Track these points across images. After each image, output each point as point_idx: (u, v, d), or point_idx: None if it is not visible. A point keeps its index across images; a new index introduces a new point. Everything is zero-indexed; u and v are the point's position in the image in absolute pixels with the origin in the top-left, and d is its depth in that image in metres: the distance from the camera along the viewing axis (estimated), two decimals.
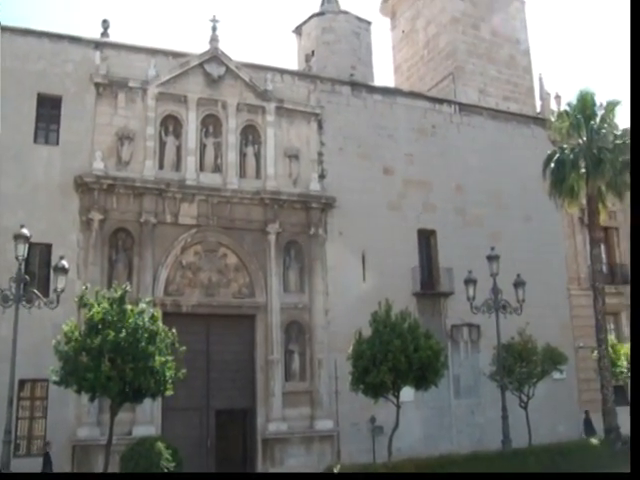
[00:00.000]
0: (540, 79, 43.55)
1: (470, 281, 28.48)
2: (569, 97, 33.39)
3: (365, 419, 30.56)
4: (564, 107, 34.20)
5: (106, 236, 28.96)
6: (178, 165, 31.03)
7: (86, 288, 22.53)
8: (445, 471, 23.84)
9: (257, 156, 32.51)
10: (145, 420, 27.32)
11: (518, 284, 29.31)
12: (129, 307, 21.37)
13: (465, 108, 38.51)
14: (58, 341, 20.93)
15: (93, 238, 28.49)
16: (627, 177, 31.43)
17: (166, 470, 21.31)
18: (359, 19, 41.06)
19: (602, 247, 37.06)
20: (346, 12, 41.02)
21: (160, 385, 21.46)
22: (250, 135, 32.60)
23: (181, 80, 31.72)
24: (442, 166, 36.24)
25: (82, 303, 21.48)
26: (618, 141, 32.18)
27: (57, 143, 29.51)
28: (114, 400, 21.17)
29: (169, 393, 22.14)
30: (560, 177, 32.02)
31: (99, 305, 21.04)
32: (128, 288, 22.35)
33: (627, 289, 41.25)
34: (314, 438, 30.39)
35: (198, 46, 32.62)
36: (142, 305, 22.06)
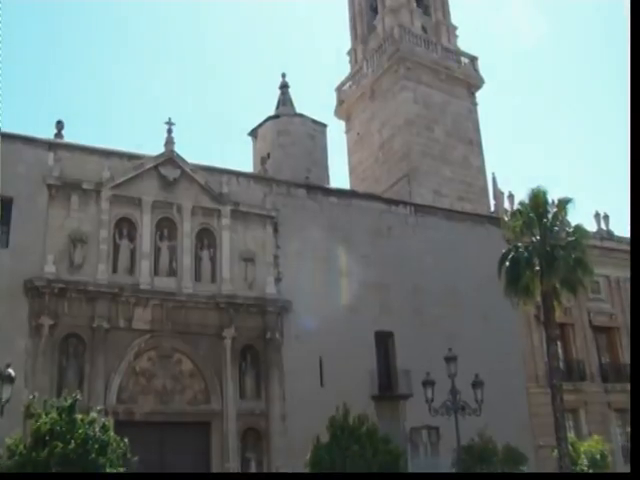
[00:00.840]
0: (493, 178, 44.36)
1: (428, 383, 28.23)
2: (522, 195, 33.90)
3: None
4: (517, 206, 34.68)
5: (56, 342, 28.30)
6: (132, 269, 30.73)
7: (33, 397, 21.89)
8: None
9: (212, 260, 32.38)
10: None
11: (476, 384, 29.06)
12: (79, 417, 20.87)
13: (420, 209, 38.99)
14: (0, 455, 20.16)
15: (43, 344, 27.79)
16: (580, 274, 31.87)
17: None
18: (314, 122, 41.68)
19: (559, 344, 37.14)
20: (301, 115, 41.65)
21: None
22: (205, 238, 32.53)
23: (136, 182, 31.67)
24: (398, 267, 36.37)
25: (29, 413, 20.87)
26: (570, 238, 32.66)
27: (6, 246, 28.97)
28: None
29: None
30: (515, 276, 32.17)
31: (47, 415, 20.47)
32: (78, 397, 21.85)
33: (584, 385, 41.49)
34: None
35: (153, 148, 32.75)
36: (93, 414, 21.56)
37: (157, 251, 31.44)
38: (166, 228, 31.89)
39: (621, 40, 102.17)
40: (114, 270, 30.32)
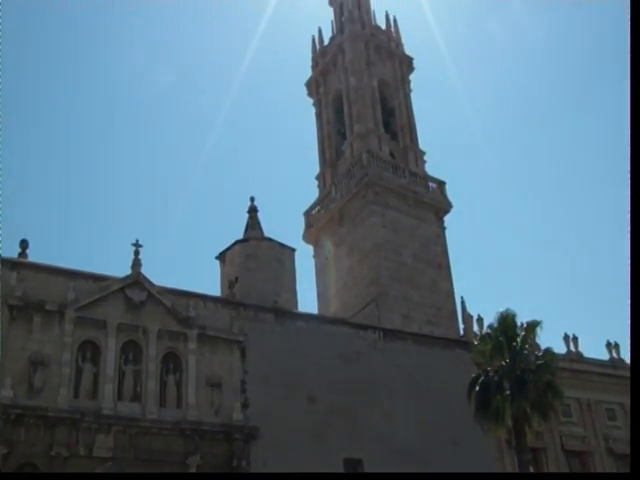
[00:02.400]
0: (462, 302, 44.45)
1: None
2: (491, 319, 34.13)
3: None
4: (486, 329, 34.82)
5: (9, 473, 26.95)
6: (94, 393, 29.87)
7: None
8: None
9: (178, 384, 31.68)
10: None
11: None
12: None
13: (389, 334, 38.79)
14: None
15: None
16: (551, 397, 31.73)
17: None
18: (283, 246, 41.70)
19: (531, 469, 36.54)
20: (270, 239, 41.71)
21: None
22: (171, 363, 31.93)
23: (101, 304, 31.20)
24: (367, 392, 35.83)
25: None
26: (540, 361, 32.70)
27: None
28: None
29: None
30: (485, 400, 32.05)
31: None
32: None
33: None
34: None
35: (120, 269, 32.61)
36: None
37: (121, 375, 30.70)
38: (131, 351, 31.27)
39: (588, 158, 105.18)
40: (76, 395, 29.47)
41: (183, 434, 30.49)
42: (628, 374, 44.57)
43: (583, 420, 45.48)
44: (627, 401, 45.57)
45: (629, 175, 13.42)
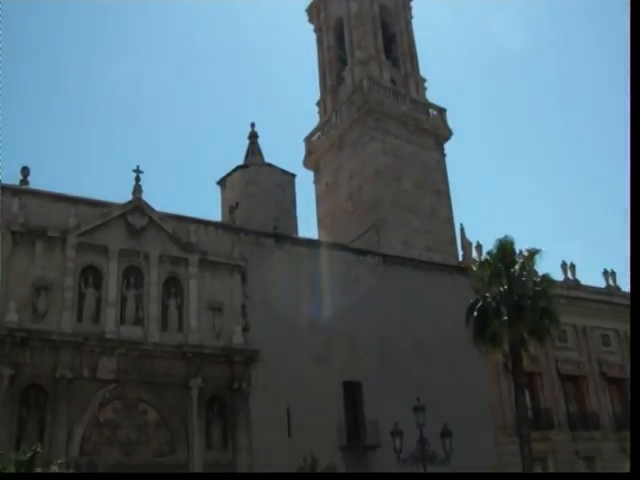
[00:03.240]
0: (461, 229, 44.61)
1: (396, 433, 28.11)
2: (489, 246, 34.21)
3: None
4: (485, 256, 34.91)
5: (17, 393, 27.65)
6: (97, 317, 30.28)
7: None
8: None
9: (179, 309, 32.07)
10: None
11: (445, 434, 28.97)
12: (39, 470, 20.21)
13: (389, 259, 39.08)
14: None
15: (2, 395, 27.12)
16: (547, 323, 32.05)
17: None
18: (283, 172, 41.76)
19: (527, 392, 37.19)
20: (270, 165, 41.73)
21: None
22: (172, 287, 32.26)
23: (102, 230, 31.38)
24: (366, 317, 36.31)
25: None
26: (538, 288, 32.90)
27: None
28: None
29: None
30: (483, 325, 32.28)
31: (5, 470, 19.81)
32: (39, 449, 21.08)
33: (552, 434, 41.47)
34: None
35: (121, 196, 32.58)
36: (54, 467, 20.97)
37: (123, 300, 31.05)
38: (133, 276, 31.57)
39: (588, 89, 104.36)
40: (79, 319, 29.86)
41: (185, 357, 30.96)
42: (624, 302, 45.49)
43: (578, 345, 46.18)
44: (622, 327, 46.55)
45: (629, 175, 13.33)
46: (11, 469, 19.72)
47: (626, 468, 33.42)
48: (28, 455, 20.26)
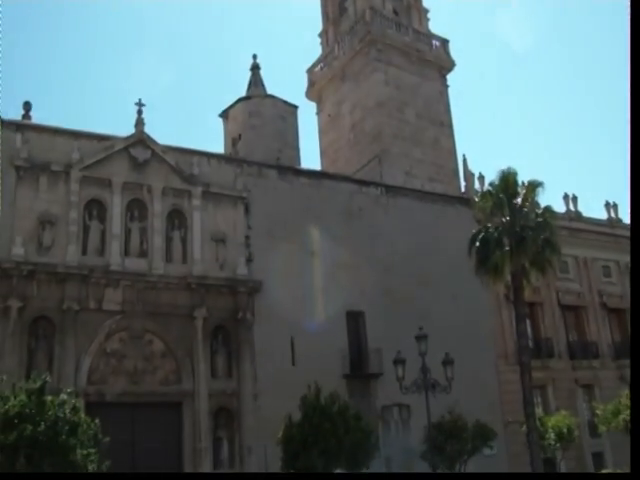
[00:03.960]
0: (464, 160, 44.65)
1: (399, 361, 28.51)
2: (492, 177, 34.20)
3: None
4: (487, 187, 34.93)
5: (25, 324, 28.14)
6: (102, 250, 30.59)
7: (1, 380, 21.62)
8: None
9: (183, 240, 32.34)
10: None
11: (447, 362, 29.43)
12: (49, 399, 20.53)
13: (391, 190, 39.18)
14: None
15: (11, 327, 27.60)
16: (549, 253, 32.26)
17: None
18: (286, 103, 41.52)
19: (528, 322, 37.55)
20: (273, 96, 41.46)
21: None
22: (176, 219, 32.49)
23: (105, 164, 31.44)
24: (369, 247, 36.62)
25: None
26: (539, 219, 33.01)
27: None
28: None
29: None
30: (485, 255, 32.48)
31: (16, 398, 20.20)
32: (48, 378, 21.35)
33: (552, 362, 42.09)
34: None
35: (123, 129, 32.49)
36: (63, 396, 21.21)
37: (127, 232, 31.32)
38: (136, 209, 31.78)
39: (598, 20, 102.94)
40: (84, 252, 30.17)
41: (189, 288, 31.35)
42: (625, 233, 45.63)
43: (579, 276, 46.54)
44: (622, 259, 46.89)
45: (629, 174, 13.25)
46: (22, 397, 20.12)
47: (623, 395, 34.31)
48: (38, 384, 20.64)
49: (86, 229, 30.61)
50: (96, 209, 31.01)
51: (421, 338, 28.95)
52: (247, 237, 33.77)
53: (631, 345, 8.65)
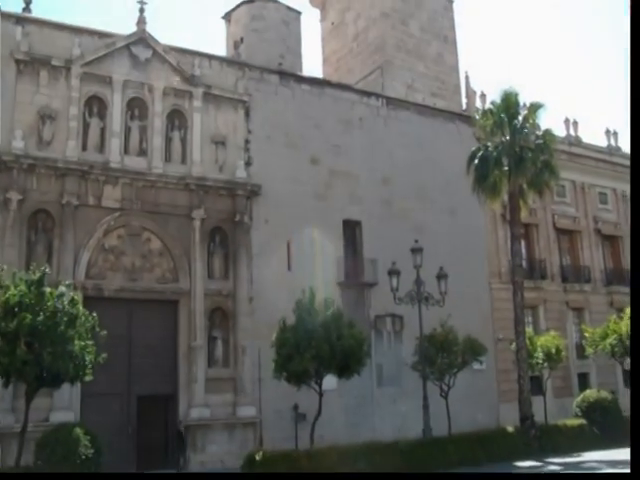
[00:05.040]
0: (466, 77, 44.24)
1: (394, 272, 28.74)
2: (494, 96, 33.95)
3: (288, 406, 30.53)
4: (489, 105, 34.72)
5: (25, 217, 28.14)
6: (102, 147, 30.38)
7: (2, 270, 21.71)
8: (366, 458, 23.94)
9: (183, 141, 32.11)
10: (63, 406, 26.62)
11: (441, 276, 29.72)
12: (48, 290, 20.68)
13: (392, 102, 38.83)
14: None
15: (11, 219, 27.59)
16: (547, 176, 32.29)
17: (83, 457, 20.55)
18: (289, 8, 40.87)
19: (522, 243, 37.83)
20: (276, 1, 40.75)
21: (79, 370, 20.83)
22: (176, 120, 32.16)
23: (107, 61, 30.98)
24: (368, 158, 36.49)
25: None
26: (539, 141, 33.00)
27: None
28: (30, 385, 20.48)
29: (88, 378, 21.51)
30: (483, 174, 32.55)
31: (16, 288, 20.31)
32: (47, 270, 21.53)
33: (545, 284, 42.50)
34: (237, 425, 30.27)
35: (125, 28, 31.89)
36: (62, 288, 21.37)
37: (127, 130, 31.03)
38: (137, 108, 31.42)
39: None
40: (84, 148, 29.96)
41: (188, 188, 31.30)
42: (623, 162, 45.61)
43: (576, 201, 46.64)
44: (619, 187, 47.05)
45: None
46: (21, 287, 20.23)
47: (612, 320, 34.77)
48: (37, 275, 20.74)
49: (86, 125, 30.31)
50: (96, 106, 30.64)
51: (416, 251, 29.15)
52: (247, 141, 33.53)
53: (631, 342, 8.57)
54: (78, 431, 21.10)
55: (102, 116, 30.64)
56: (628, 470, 21.51)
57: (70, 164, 29.05)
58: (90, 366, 21.16)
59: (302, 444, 27.31)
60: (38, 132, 29.15)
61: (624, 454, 25.64)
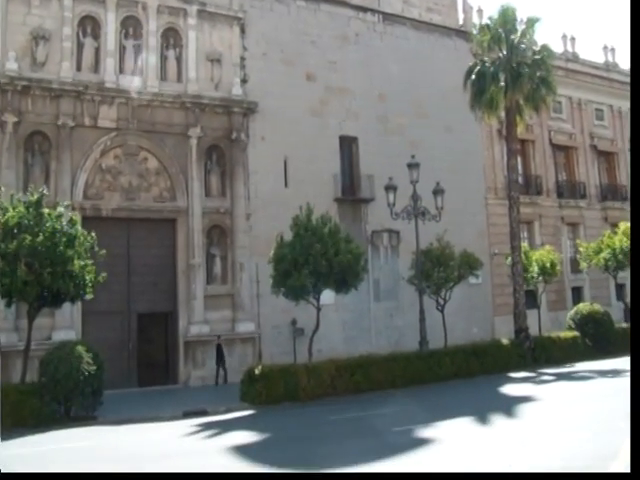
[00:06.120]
0: None
1: (390, 188, 28.79)
2: (491, 11, 33.60)
3: (286, 321, 31.14)
4: (486, 21, 34.37)
5: (21, 139, 28.18)
6: (97, 67, 30.24)
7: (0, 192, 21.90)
8: (364, 370, 24.46)
9: (178, 60, 31.94)
10: (65, 325, 27.14)
11: (437, 192, 29.79)
12: (46, 211, 20.92)
13: (389, 17, 38.37)
14: None
15: (7, 141, 27.65)
16: (543, 92, 32.19)
17: (87, 373, 20.95)
18: None
19: (518, 159, 37.91)
20: None
21: (79, 289, 21.32)
22: (171, 38, 31.93)
23: None
24: (365, 74, 36.26)
25: None
26: (536, 57, 32.76)
27: None
28: (32, 305, 20.97)
29: (89, 297, 22.07)
30: (480, 89, 32.40)
31: (14, 209, 20.50)
32: (45, 192, 21.79)
33: (540, 200, 42.82)
34: (236, 340, 30.82)
35: None
36: (60, 209, 21.63)
37: (122, 50, 30.83)
38: (131, 27, 31.13)
39: None
40: (78, 68, 29.82)
41: (184, 107, 31.23)
42: (620, 78, 45.43)
43: (572, 117, 46.56)
44: (616, 103, 46.99)
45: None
46: (20, 209, 20.44)
47: (606, 235, 35.13)
48: (36, 197, 20.94)
49: (80, 46, 30.11)
50: (90, 26, 30.37)
51: (413, 166, 29.16)
52: (242, 58, 33.32)
53: (631, 337, 8.70)
54: (80, 348, 21.35)
55: (96, 36, 30.40)
56: (617, 379, 22.49)
57: (65, 85, 28.96)
58: (90, 285, 21.62)
59: (300, 358, 27.87)
60: (32, 53, 28.97)
61: (614, 364, 26.65)
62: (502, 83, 32.29)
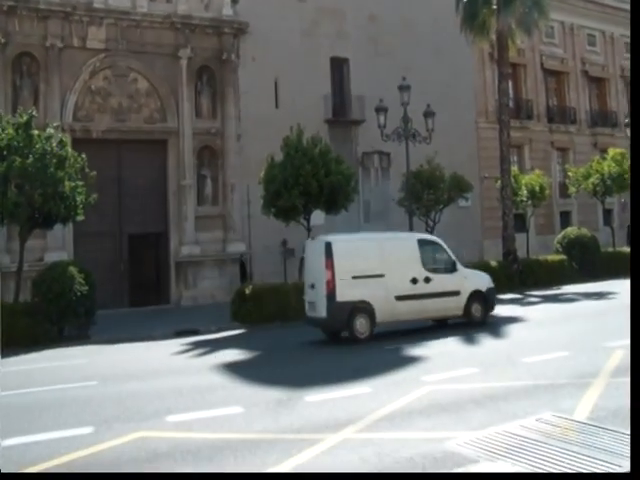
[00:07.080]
0: None
1: (381, 109, 28.63)
2: None
3: (276, 242, 31.29)
4: None
5: (8, 61, 27.91)
6: None
7: None
8: None
9: None
10: (57, 246, 27.26)
11: (428, 114, 29.65)
12: (36, 132, 20.79)
13: None
14: None
15: None
16: (536, 15, 31.83)
17: (79, 293, 21.15)
18: None
19: (510, 83, 37.80)
20: None
21: (70, 210, 21.31)
22: None
23: None
24: None
25: None
26: None
27: None
28: (23, 227, 21.01)
29: (80, 218, 22.08)
30: (472, 12, 32.01)
31: (3, 131, 20.39)
32: (34, 113, 21.62)
33: (531, 124, 42.84)
34: (226, 261, 31.13)
35: None
36: (49, 130, 21.53)
37: None
38: None
39: None
40: None
41: (173, 27, 30.91)
42: (612, 3, 45.30)
43: (564, 42, 46.31)
44: (608, 29, 46.83)
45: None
46: (10, 131, 20.36)
47: (594, 160, 35.24)
48: (25, 118, 20.81)
49: None
50: None
51: (404, 88, 28.90)
52: None
53: (631, 331, 8.82)
54: (72, 269, 21.38)
55: None
56: (601, 301, 22.92)
57: (52, 5, 28.58)
58: (81, 206, 21.63)
59: (290, 278, 28.16)
60: None
61: (599, 287, 27.08)
62: (494, 6, 31.86)
